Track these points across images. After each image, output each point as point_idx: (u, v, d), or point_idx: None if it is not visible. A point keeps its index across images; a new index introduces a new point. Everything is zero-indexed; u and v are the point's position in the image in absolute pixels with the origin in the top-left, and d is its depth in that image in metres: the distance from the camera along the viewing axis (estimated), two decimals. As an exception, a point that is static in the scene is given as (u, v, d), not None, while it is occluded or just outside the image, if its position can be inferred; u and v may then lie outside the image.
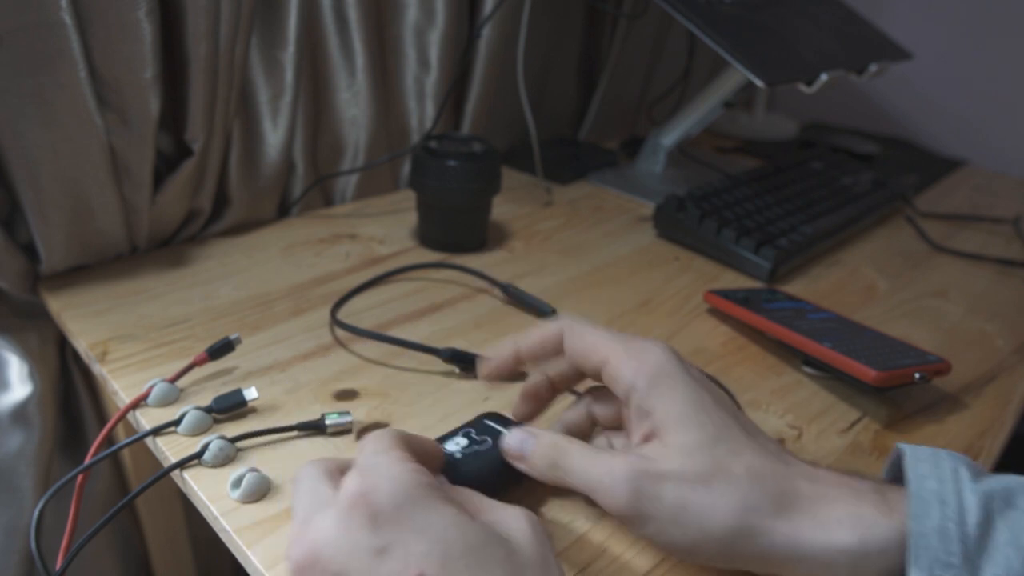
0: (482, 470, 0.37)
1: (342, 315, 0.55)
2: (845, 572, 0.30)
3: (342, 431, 0.43)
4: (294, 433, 0.43)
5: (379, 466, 0.27)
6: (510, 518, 0.29)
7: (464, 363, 0.49)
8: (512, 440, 0.35)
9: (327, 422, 0.42)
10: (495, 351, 0.39)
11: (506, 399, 0.48)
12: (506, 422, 0.40)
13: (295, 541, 0.27)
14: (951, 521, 0.28)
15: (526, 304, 0.58)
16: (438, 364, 0.50)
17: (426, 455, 0.32)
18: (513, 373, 0.39)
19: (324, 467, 0.30)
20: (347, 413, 0.43)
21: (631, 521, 0.32)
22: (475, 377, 0.49)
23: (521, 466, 0.35)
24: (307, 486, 0.29)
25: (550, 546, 0.28)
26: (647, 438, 0.33)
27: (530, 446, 0.34)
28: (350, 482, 0.27)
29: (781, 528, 0.30)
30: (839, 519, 0.30)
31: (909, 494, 0.30)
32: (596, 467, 0.32)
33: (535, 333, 0.38)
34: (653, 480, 0.31)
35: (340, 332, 0.53)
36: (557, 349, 0.38)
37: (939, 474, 0.30)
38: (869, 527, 0.30)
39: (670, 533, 0.31)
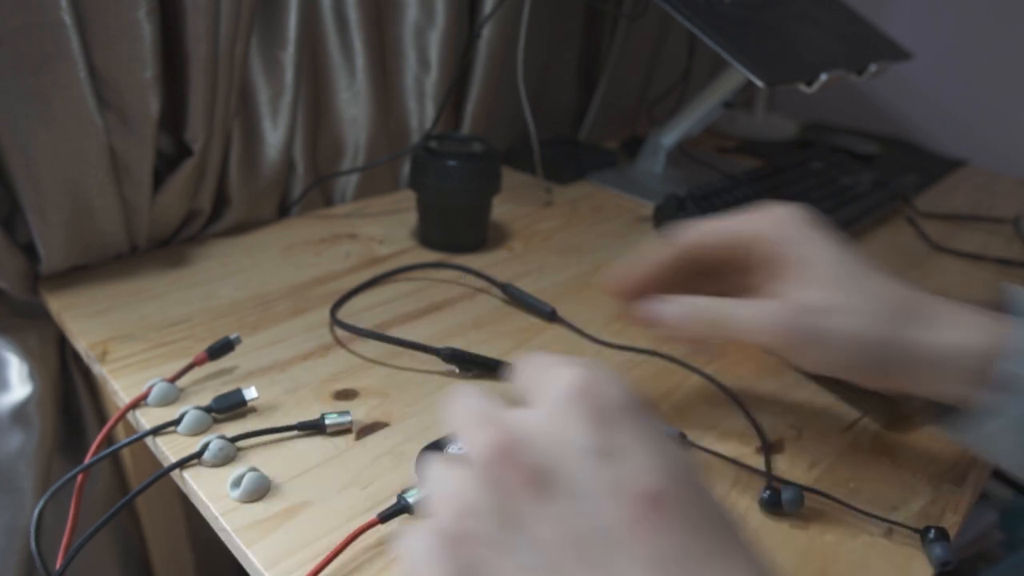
0: None
1: (342, 315, 0.55)
2: (973, 374, 0.34)
3: (342, 431, 0.43)
4: (294, 433, 0.43)
5: (600, 368, 0.23)
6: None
7: (464, 363, 0.49)
8: (670, 311, 0.38)
9: (327, 422, 0.42)
10: (625, 272, 0.41)
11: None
12: None
13: (481, 426, 0.22)
14: None
15: (526, 304, 0.58)
16: (438, 364, 0.50)
17: None
18: (638, 295, 0.40)
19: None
20: (347, 413, 0.43)
21: (792, 352, 0.36)
22: (475, 377, 0.49)
23: (672, 332, 0.38)
24: (480, 406, 0.24)
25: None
26: (786, 283, 0.37)
27: (686, 312, 0.38)
28: (570, 374, 0.22)
29: (920, 336, 0.35)
30: (968, 325, 0.35)
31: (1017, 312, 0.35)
32: (754, 312, 0.36)
33: (658, 253, 0.40)
34: (808, 314, 0.35)
35: (340, 332, 0.53)
36: (685, 261, 0.40)
37: None
38: (996, 333, 0.34)
39: (826, 356, 0.35)
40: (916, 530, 0.39)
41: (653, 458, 0.21)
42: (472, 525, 0.21)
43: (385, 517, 0.35)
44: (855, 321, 0.35)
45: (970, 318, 0.35)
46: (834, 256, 0.37)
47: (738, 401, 0.49)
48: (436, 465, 0.23)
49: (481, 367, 0.49)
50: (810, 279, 0.36)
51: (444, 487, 0.22)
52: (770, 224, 0.38)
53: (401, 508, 0.35)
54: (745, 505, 0.40)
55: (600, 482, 0.20)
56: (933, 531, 0.38)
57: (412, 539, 0.22)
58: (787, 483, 0.40)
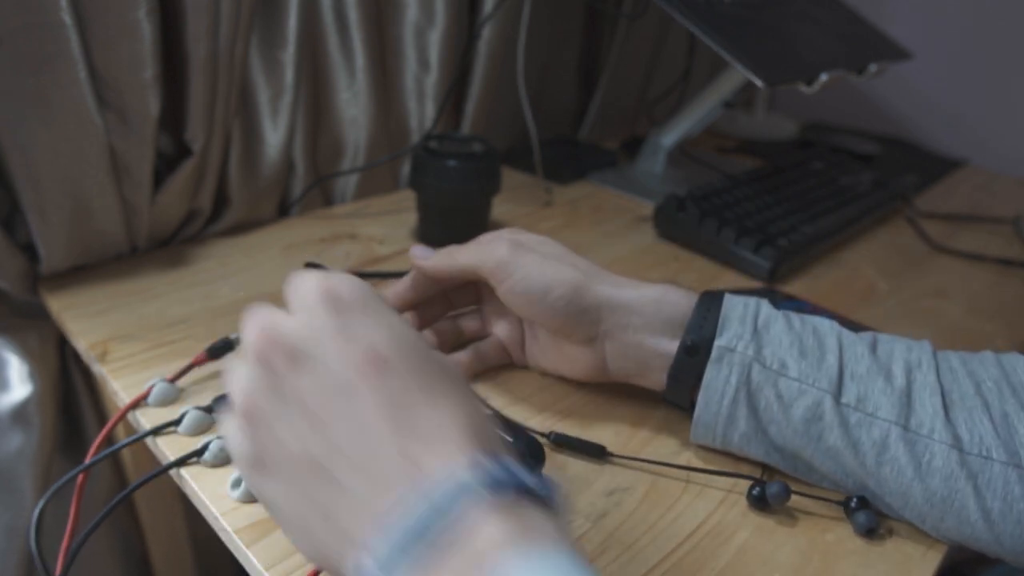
0: None
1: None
2: (650, 312, 0.42)
3: None
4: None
5: (339, 275, 0.29)
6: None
7: None
8: (417, 250, 0.47)
9: None
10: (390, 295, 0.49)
11: (506, 399, 0.48)
12: (510, 426, 0.40)
13: (254, 320, 0.28)
14: (749, 315, 0.41)
15: None
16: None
17: None
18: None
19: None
20: None
21: (508, 267, 0.43)
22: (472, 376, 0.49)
23: (424, 263, 0.46)
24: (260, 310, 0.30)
25: (471, 392, 0.30)
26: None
27: (430, 252, 0.47)
28: (314, 279, 0.28)
29: (609, 289, 0.43)
30: (649, 287, 0.44)
31: (725, 298, 0.42)
32: (482, 246, 0.45)
33: (399, 286, 0.49)
34: (523, 245, 0.44)
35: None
36: (427, 286, 0.48)
37: (746, 297, 0.43)
38: (672, 291, 0.43)
39: (535, 276, 0.43)
40: (839, 503, 0.40)
41: (379, 331, 0.26)
42: (253, 400, 0.27)
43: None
44: (554, 263, 0.43)
45: (656, 285, 0.44)
46: (550, 244, 0.46)
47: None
48: (230, 364, 0.29)
49: None
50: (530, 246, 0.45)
51: (233, 379, 0.28)
52: (490, 253, 0.44)
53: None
54: (743, 508, 0.41)
55: (340, 353, 0.26)
56: (855, 500, 0.40)
57: (224, 428, 0.28)
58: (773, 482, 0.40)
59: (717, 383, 0.40)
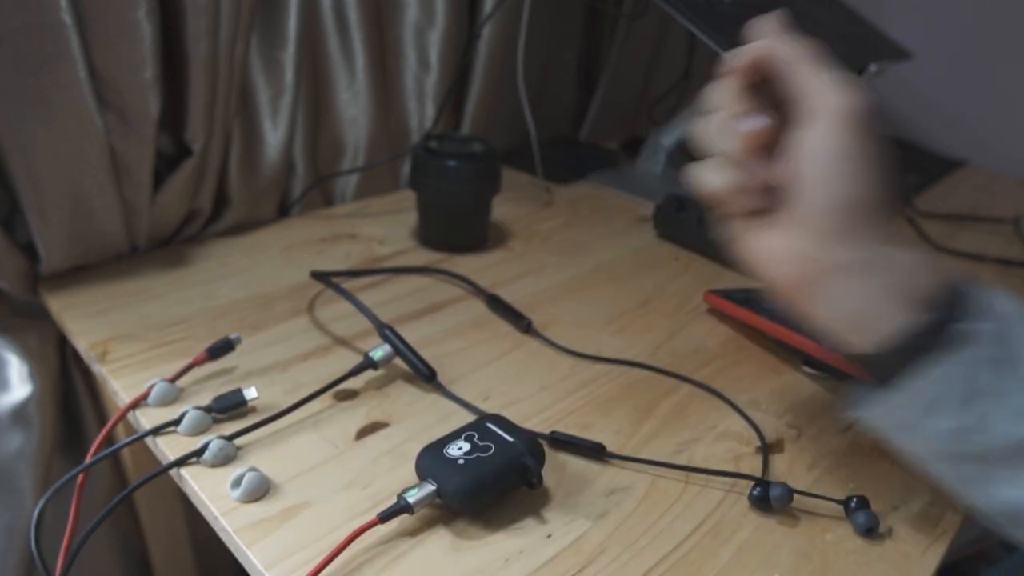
0: (484, 478, 0.37)
1: (339, 313, 0.55)
2: (897, 278, 0.35)
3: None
4: (294, 432, 0.43)
5: None
6: None
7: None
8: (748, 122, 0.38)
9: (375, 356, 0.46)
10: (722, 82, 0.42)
11: (507, 398, 0.48)
12: (510, 427, 0.40)
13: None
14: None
15: (504, 316, 0.57)
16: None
17: None
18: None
19: None
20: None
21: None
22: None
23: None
24: None
25: None
26: (797, 187, 0.36)
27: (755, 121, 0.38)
28: None
29: (877, 232, 0.36)
30: (907, 247, 0.36)
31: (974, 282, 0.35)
32: (763, 245, 0.37)
33: (732, 64, 0.41)
34: (809, 263, 0.36)
35: (340, 332, 0.53)
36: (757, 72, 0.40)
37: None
38: (929, 259, 0.36)
39: (828, 156, 0.35)
40: (839, 502, 0.40)
41: None
42: None
43: (385, 517, 0.35)
44: (843, 182, 0.35)
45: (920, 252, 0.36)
46: (826, 154, 0.36)
47: (731, 403, 0.49)
48: None
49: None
50: (806, 199, 0.36)
51: None
52: (822, 102, 0.36)
53: (402, 508, 0.36)
54: (742, 507, 0.41)
55: None
56: (855, 500, 0.39)
57: None
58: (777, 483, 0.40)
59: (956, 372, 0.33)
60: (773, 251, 0.37)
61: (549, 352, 0.53)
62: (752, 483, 0.41)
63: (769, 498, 0.39)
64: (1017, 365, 0.33)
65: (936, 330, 0.34)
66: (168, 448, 0.41)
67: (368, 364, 0.46)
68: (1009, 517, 0.34)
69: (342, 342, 0.52)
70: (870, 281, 0.35)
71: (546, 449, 0.40)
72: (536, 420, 0.46)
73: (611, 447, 0.43)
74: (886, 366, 0.35)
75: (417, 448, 0.39)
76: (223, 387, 0.46)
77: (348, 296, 0.53)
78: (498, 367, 0.51)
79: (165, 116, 0.57)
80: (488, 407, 0.46)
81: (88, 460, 0.41)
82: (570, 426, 0.46)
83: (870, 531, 0.39)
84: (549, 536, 0.37)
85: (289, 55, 0.64)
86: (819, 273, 0.36)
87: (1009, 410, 0.33)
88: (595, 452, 0.43)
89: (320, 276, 0.58)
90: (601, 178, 0.89)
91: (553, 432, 0.43)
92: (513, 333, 0.55)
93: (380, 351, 0.47)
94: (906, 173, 0.95)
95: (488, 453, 0.38)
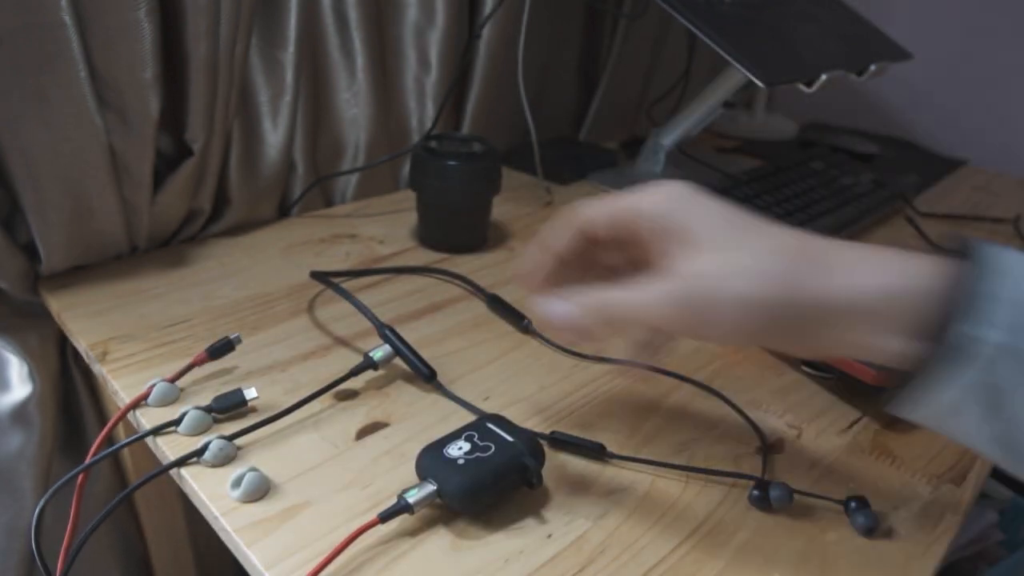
0: (484, 478, 0.37)
1: (339, 313, 0.55)
2: (882, 312, 0.31)
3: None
4: (294, 432, 0.43)
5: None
6: None
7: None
8: (553, 312, 0.36)
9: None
10: (528, 266, 0.40)
11: (507, 398, 0.48)
12: (510, 427, 0.40)
13: None
14: None
15: (504, 316, 0.58)
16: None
17: None
18: (552, 273, 0.39)
19: None
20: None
21: (688, 329, 0.34)
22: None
23: (569, 335, 0.36)
24: None
25: None
26: (671, 258, 0.34)
27: (570, 312, 0.36)
28: None
29: (819, 286, 0.32)
30: (884, 268, 0.32)
31: (978, 259, 0.30)
32: (640, 295, 0.34)
33: (551, 240, 0.39)
34: (695, 287, 0.33)
35: (340, 332, 0.53)
36: (578, 241, 0.38)
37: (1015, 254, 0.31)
38: (902, 272, 0.31)
39: (726, 327, 0.33)
40: (838, 501, 0.40)
41: None
42: None
43: (386, 517, 0.35)
44: (747, 284, 0.32)
45: (887, 260, 0.32)
46: (717, 219, 0.35)
47: (731, 403, 0.49)
48: None
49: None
50: (694, 247, 0.34)
51: None
52: (649, 200, 0.36)
53: (402, 508, 0.36)
54: (742, 507, 0.41)
55: None
56: (854, 502, 0.39)
57: None
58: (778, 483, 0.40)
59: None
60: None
61: (549, 352, 0.53)
62: (752, 483, 0.41)
63: (769, 498, 0.39)
64: None
65: (941, 351, 0.30)
66: (168, 448, 0.41)
67: (368, 364, 0.46)
68: None
69: (342, 342, 0.52)
70: (842, 343, 0.33)
71: (546, 449, 0.40)
72: (536, 420, 0.46)
73: (611, 447, 0.43)
74: (901, 381, 0.32)
75: (417, 448, 0.39)
76: (223, 387, 0.46)
77: (348, 296, 0.53)
78: (498, 367, 0.51)
79: (165, 116, 0.57)
80: (488, 407, 0.46)
81: (88, 460, 0.41)
82: (570, 426, 0.46)
83: (870, 531, 0.39)
84: (549, 536, 0.37)
85: (289, 55, 0.64)
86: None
87: None
88: (595, 452, 0.43)
89: (320, 276, 0.58)
90: (601, 178, 0.89)
91: (553, 432, 0.43)
92: (513, 333, 0.55)
93: (380, 351, 0.47)
94: (906, 173, 0.95)
95: (488, 453, 0.38)
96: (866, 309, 0.31)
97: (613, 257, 0.40)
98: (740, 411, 0.48)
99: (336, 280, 0.58)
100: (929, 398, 0.31)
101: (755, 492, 0.40)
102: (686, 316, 0.33)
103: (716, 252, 0.33)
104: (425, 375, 0.48)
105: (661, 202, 0.36)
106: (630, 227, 0.37)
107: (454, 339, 0.54)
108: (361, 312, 0.52)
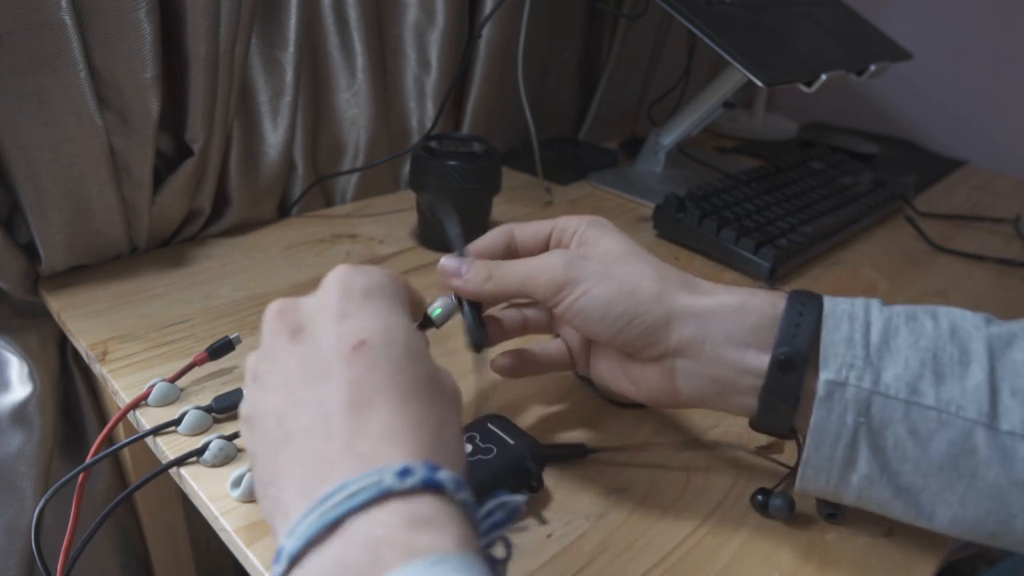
0: (485, 482, 0.37)
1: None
2: (732, 321, 0.36)
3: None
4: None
5: (369, 269, 0.31)
6: (442, 373, 0.30)
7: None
8: (448, 263, 0.40)
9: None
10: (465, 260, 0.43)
11: (507, 398, 0.48)
12: (511, 428, 0.40)
13: (277, 300, 0.31)
14: (857, 333, 0.34)
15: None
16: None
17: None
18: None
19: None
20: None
21: (558, 291, 0.37)
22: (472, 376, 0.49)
23: (456, 283, 0.39)
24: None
25: (457, 409, 0.30)
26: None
27: (466, 265, 0.39)
28: (339, 268, 0.31)
29: (681, 297, 0.36)
30: (730, 292, 0.37)
31: (824, 312, 0.35)
32: (532, 262, 0.38)
33: (486, 238, 0.43)
34: (582, 258, 0.38)
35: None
36: (509, 245, 0.43)
37: (851, 301, 0.36)
38: (758, 294, 0.37)
39: (595, 293, 0.36)
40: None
41: (371, 321, 0.28)
42: (256, 363, 0.30)
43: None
44: (620, 270, 0.37)
45: (742, 288, 0.38)
46: (617, 240, 0.39)
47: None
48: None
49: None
50: (592, 251, 0.39)
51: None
52: (568, 218, 0.41)
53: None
54: (742, 507, 0.41)
55: (331, 332, 0.28)
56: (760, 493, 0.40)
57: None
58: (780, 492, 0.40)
59: (829, 426, 0.33)
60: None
61: (549, 352, 0.53)
62: (755, 491, 0.40)
63: (769, 508, 0.39)
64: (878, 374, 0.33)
65: (794, 366, 0.34)
66: (168, 448, 0.41)
67: None
68: (968, 532, 0.34)
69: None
70: (701, 354, 0.36)
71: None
72: (536, 420, 0.46)
73: (611, 447, 0.43)
74: (778, 422, 0.36)
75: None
76: (223, 387, 0.46)
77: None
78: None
79: (165, 116, 0.57)
80: (488, 407, 0.46)
81: (88, 460, 0.41)
82: (570, 426, 0.45)
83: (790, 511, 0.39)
84: (549, 536, 0.37)
85: (289, 55, 0.64)
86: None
87: (896, 437, 0.33)
88: (579, 452, 0.42)
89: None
90: (601, 178, 0.89)
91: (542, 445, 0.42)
92: (513, 333, 0.55)
93: None
94: (906, 173, 0.95)
95: (490, 456, 0.38)
96: (719, 319, 0.36)
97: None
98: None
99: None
100: (821, 452, 0.34)
101: (758, 496, 0.40)
102: (561, 278, 0.37)
103: (614, 250, 0.38)
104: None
105: (576, 221, 0.41)
106: (550, 236, 0.42)
107: (454, 339, 0.54)
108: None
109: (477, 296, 0.39)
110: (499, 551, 0.25)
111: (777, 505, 0.39)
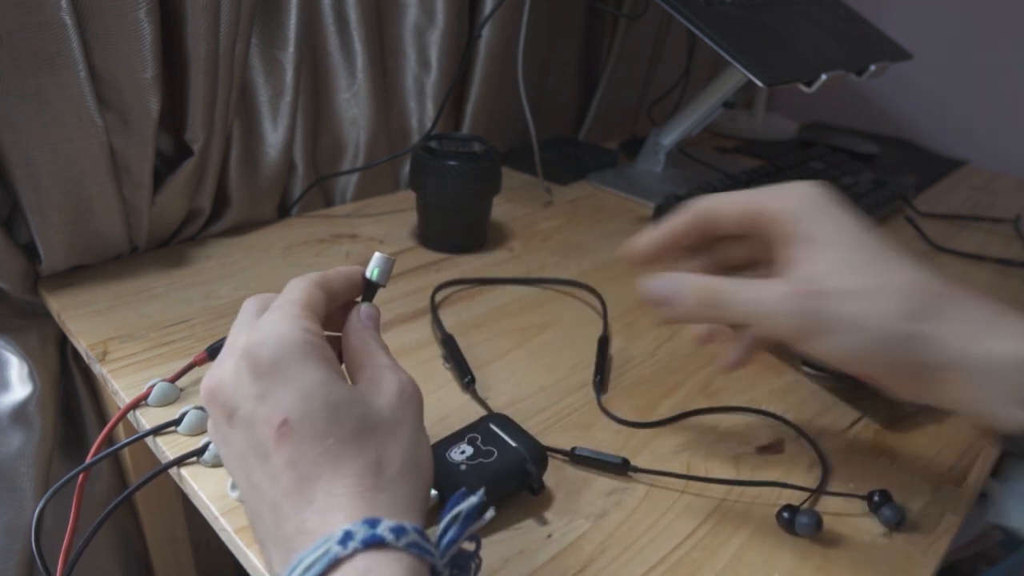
0: (486, 485, 0.36)
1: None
2: (1013, 379, 0.30)
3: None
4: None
5: (270, 323, 0.30)
6: (383, 383, 0.31)
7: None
8: (660, 286, 0.35)
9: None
10: (640, 240, 0.39)
11: (508, 397, 0.48)
12: (513, 428, 0.40)
13: (209, 373, 0.30)
14: None
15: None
16: (438, 363, 0.50)
17: (337, 294, 0.35)
18: (655, 261, 0.39)
19: (260, 303, 0.34)
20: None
21: (798, 338, 0.33)
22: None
23: (669, 312, 0.35)
24: (241, 320, 0.32)
25: (413, 413, 0.31)
26: (796, 262, 0.34)
27: (680, 287, 0.35)
28: (243, 336, 0.30)
29: (953, 343, 0.31)
30: (1002, 331, 0.31)
31: None
32: (757, 294, 0.33)
33: (672, 221, 0.38)
34: (816, 298, 0.32)
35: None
36: (699, 229, 0.38)
37: None
38: None
39: (836, 344, 0.32)
40: (862, 497, 0.40)
41: (287, 394, 0.28)
42: (214, 432, 0.31)
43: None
44: (869, 309, 0.32)
45: (1004, 320, 0.31)
46: (849, 235, 0.33)
47: (731, 403, 0.49)
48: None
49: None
50: (820, 259, 0.33)
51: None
52: (781, 198, 0.35)
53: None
54: (742, 507, 0.41)
55: (256, 417, 0.28)
56: (877, 494, 0.40)
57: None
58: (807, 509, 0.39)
59: None
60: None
61: (549, 353, 0.53)
62: (781, 508, 0.39)
63: (795, 525, 0.38)
64: None
65: None
66: (168, 448, 0.41)
67: None
68: None
69: (342, 342, 0.52)
70: (967, 406, 0.32)
71: (567, 466, 0.40)
72: (536, 420, 0.46)
73: (612, 447, 0.43)
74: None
75: (417, 448, 0.39)
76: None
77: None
78: (498, 367, 0.51)
79: (165, 116, 0.57)
80: (490, 406, 0.46)
81: (88, 460, 0.41)
82: (570, 426, 0.46)
83: (899, 524, 0.39)
84: (549, 536, 0.37)
85: (289, 55, 0.64)
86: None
87: None
88: (618, 468, 0.42)
89: (443, 286, 0.57)
90: (601, 178, 0.89)
91: (575, 448, 0.42)
92: (513, 333, 0.55)
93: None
94: (906, 173, 0.95)
95: (491, 459, 0.38)
96: (996, 378, 0.30)
97: (734, 252, 0.39)
98: (740, 411, 0.48)
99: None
100: None
101: (784, 514, 0.39)
102: (800, 325, 0.33)
103: (841, 270, 0.33)
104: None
105: (792, 205, 0.35)
106: (757, 224, 0.36)
107: (455, 338, 0.54)
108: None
109: (679, 313, 0.35)
110: (468, 545, 0.28)
111: (804, 523, 0.38)
